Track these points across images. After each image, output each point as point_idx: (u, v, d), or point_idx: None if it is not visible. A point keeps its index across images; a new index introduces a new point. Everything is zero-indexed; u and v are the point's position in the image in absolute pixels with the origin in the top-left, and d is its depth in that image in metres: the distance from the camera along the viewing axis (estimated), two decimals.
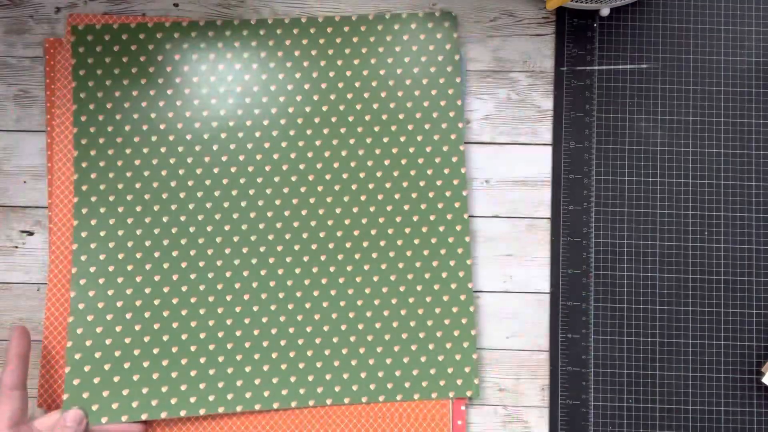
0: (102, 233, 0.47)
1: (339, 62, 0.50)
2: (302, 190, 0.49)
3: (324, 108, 0.49)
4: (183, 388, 0.46)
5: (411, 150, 0.49)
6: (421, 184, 0.49)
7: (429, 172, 0.49)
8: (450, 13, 0.50)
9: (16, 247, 0.49)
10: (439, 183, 0.49)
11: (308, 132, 0.49)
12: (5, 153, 0.50)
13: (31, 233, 0.49)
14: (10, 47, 0.50)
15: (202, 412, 0.46)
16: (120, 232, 0.48)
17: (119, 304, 0.47)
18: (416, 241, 0.49)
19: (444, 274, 0.48)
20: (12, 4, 0.51)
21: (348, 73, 0.50)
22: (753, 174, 0.50)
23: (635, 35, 0.51)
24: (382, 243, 0.49)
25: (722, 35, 0.51)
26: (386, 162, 0.49)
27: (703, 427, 0.48)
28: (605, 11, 0.50)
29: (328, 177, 0.49)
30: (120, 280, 0.47)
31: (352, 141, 0.49)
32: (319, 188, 0.49)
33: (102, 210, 0.48)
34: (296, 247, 0.48)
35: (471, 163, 0.51)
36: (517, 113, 0.51)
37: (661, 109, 0.51)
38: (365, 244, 0.49)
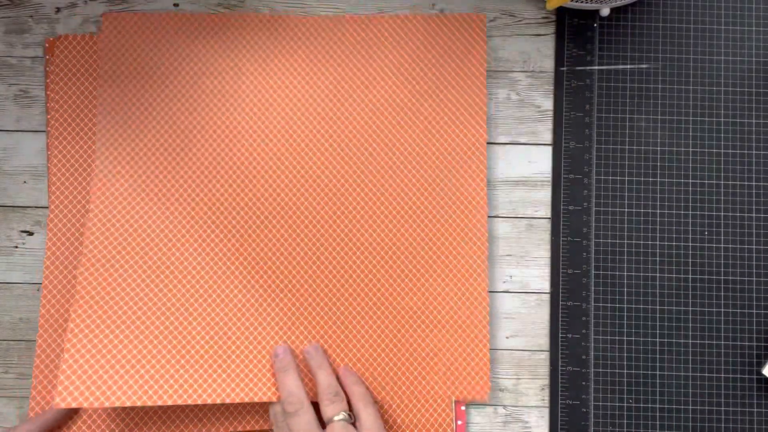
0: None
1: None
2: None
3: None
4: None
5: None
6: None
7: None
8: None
9: (16, 247, 0.49)
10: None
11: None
12: (5, 153, 0.50)
13: (31, 233, 0.49)
14: (10, 47, 0.50)
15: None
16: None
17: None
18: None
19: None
20: (12, 4, 0.51)
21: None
22: (753, 174, 0.50)
23: (635, 35, 0.51)
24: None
25: (722, 35, 0.51)
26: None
27: (703, 427, 0.48)
28: (605, 11, 0.50)
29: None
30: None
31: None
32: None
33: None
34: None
35: None
36: (517, 113, 0.51)
37: (661, 109, 0.51)
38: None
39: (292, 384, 0.45)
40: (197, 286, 0.47)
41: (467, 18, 0.50)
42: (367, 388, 0.46)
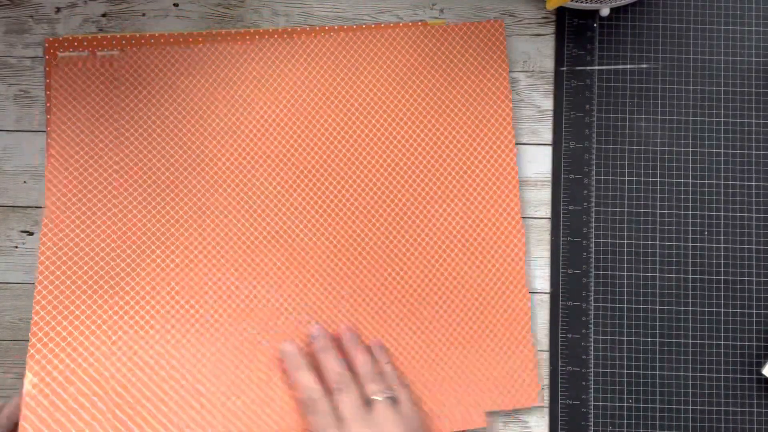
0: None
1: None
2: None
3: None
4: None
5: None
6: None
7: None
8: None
9: (16, 247, 0.49)
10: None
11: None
12: (5, 153, 0.50)
13: (31, 233, 0.49)
14: (10, 47, 0.50)
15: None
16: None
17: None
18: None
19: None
20: (12, 4, 0.51)
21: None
22: (753, 174, 0.50)
23: (635, 35, 0.51)
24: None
25: (722, 35, 0.51)
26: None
27: (703, 427, 0.48)
28: (605, 11, 0.50)
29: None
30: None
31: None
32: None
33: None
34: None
35: None
36: (517, 113, 0.51)
37: (661, 109, 0.51)
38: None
39: (336, 363, 0.44)
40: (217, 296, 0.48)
41: (486, 25, 0.50)
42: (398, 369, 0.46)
